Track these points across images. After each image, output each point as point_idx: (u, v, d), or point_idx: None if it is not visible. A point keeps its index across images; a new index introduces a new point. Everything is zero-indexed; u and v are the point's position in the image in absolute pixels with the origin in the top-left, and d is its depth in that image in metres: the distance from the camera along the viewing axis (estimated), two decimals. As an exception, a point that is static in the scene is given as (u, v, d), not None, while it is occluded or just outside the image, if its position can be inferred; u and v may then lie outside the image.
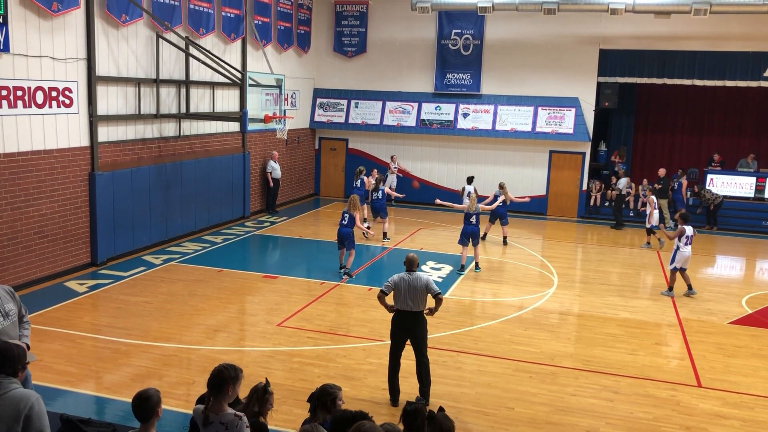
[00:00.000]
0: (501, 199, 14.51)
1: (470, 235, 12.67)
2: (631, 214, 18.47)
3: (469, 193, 15.17)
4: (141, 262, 12.50)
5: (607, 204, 18.96)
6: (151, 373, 7.79)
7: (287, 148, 18.95)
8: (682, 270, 11.51)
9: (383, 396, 7.30)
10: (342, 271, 12.22)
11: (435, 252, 14.22)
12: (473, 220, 12.62)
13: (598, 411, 7.20)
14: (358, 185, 15.99)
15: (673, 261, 11.50)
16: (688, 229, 11.37)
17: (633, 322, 10.22)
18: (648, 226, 15.46)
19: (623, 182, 18.24)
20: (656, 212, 15.27)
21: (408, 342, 7.23)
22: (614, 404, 7.37)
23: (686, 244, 11.34)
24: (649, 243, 15.64)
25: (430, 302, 7.21)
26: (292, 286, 11.52)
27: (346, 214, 12.18)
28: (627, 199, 18.39)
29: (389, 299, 7.27)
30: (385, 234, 15.22)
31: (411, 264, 7.28)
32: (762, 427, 7.01)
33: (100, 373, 7.82)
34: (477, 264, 13.01)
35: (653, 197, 15.43)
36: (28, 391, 3.87)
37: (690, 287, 11.60)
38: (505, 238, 15.25)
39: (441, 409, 4.29)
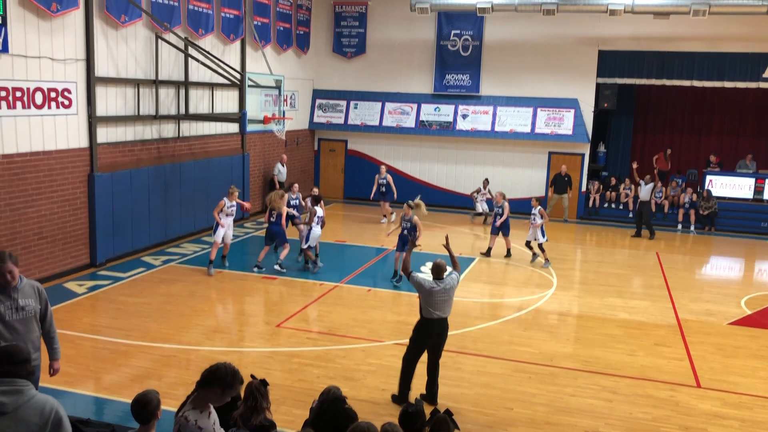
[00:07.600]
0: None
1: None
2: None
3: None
4: (140, 263, 12.50)
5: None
6: (150, 373, 7.79)
7: (287, 149, 18.95)
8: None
9: (383, 396, 7.30)
10: (275, 266, 12.17)
11: (434, 253, 14.20)
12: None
13: (598, 411, 7.20)
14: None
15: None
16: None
17: (632, 323, 10.23)
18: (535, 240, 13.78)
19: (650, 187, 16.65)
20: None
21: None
22: (613, 405, 7.38)
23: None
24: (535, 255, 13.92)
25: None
26: (291, 287, 11.52)
27: (273, 212, 12.19)
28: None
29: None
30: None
31: (439, 271, 7.02)
32: (761, 427, 7.02)
33: (99, 373, 7.82)
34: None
35: (540, 207, 13.62)
36: (45, 395, 3.60)
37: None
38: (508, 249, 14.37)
39: (448, 412, 4.23)
